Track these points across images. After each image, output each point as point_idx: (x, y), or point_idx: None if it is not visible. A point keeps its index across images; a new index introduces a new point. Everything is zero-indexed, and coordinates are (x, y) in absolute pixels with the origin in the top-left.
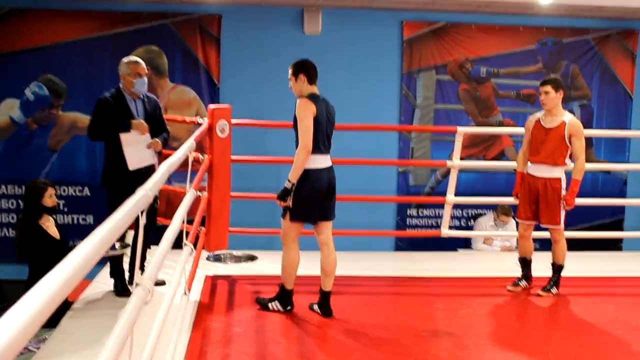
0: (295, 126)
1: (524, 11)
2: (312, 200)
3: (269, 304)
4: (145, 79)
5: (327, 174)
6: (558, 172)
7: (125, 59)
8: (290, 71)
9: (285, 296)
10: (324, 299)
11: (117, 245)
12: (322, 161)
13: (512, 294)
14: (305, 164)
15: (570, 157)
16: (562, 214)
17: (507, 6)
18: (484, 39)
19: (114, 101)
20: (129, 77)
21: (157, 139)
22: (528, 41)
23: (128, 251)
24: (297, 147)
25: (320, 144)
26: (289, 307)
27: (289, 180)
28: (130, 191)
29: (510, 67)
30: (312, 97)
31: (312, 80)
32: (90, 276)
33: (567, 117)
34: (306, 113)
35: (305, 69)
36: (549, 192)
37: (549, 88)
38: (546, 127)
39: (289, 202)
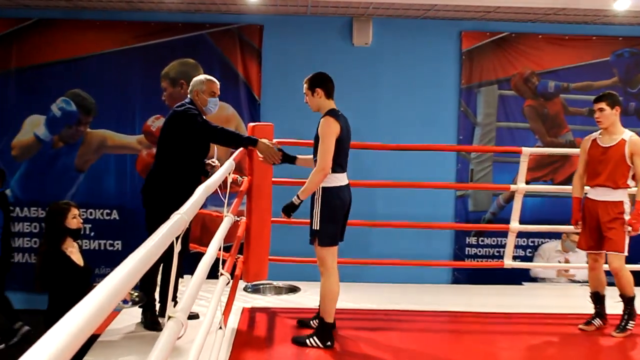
0: (316, 144)
1: (597, 20)
2: (337, 217)
3: (307, 340)
4: (218, 99)
5: (347, 190)
6: (619, 195)
7: (201, 76)
8: (305, 86)
9: (324, 330)
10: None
11: (134, 294)
12: (343, 179)
13: (584, 333)
14: (326, 183)
15: (633, 177)
16: (627, 240)
17: (578, 13)
18: (552, 50)
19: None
20: (203, 95)
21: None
22: (602, 52)
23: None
24: (314, 166)
25: (342, 163)
26: (329, 343)
27: (298, 197)
28: (172, 208)
29: (581, 81)
30: (335, 114)
31: (329, 94)
32: (118, 307)
33: (627, 135)
34: (330, 133)
35: (323, 82)
36: (610, 217)
37: (603, 105)
38: (604, 146)
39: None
